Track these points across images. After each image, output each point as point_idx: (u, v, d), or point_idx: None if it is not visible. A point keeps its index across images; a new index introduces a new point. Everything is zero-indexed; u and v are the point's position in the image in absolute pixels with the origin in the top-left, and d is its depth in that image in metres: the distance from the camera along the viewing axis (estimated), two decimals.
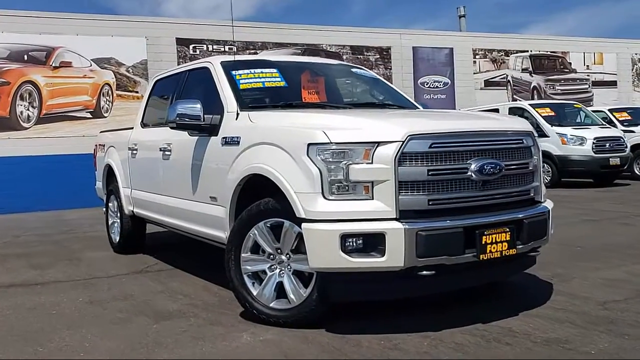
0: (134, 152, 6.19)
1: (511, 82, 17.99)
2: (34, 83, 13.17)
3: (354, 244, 3.46)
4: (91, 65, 13.70)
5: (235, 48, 14.68)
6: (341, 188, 3.51)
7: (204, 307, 4.47)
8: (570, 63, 18.52)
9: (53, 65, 13.34)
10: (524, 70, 18.03)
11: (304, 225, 3.55)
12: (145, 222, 6.75)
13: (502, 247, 3.67)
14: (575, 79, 18.49)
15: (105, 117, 13.80)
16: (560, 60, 18.42)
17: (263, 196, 3.99)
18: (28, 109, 13.19)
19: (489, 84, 17.73)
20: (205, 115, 4.55)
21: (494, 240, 3.64)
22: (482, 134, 3.82)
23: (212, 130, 4.57)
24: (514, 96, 17.76)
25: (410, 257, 3.41)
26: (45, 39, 13.29)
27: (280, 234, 3.87)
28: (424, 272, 3.50)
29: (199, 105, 4.54)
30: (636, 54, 19.54)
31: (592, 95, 18.50)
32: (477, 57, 17.64)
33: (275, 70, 4.99)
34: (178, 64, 14.32)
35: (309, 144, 3.57)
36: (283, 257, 3.91)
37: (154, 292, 5.05)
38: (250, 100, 4.58)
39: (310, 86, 5.09)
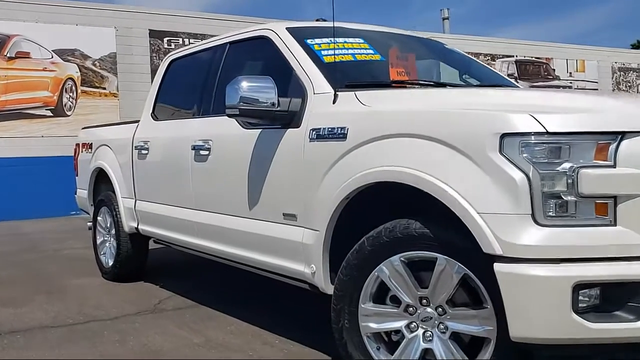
0: (143, 152, 4.66)
1: None
2: None
3: (590, 299, 2.12)
4: (52, 57, 11.89)
5: None
6: (561, 207, 2.15)
7: None
8: (554, 70, 17.77)
9: (8, 55, 11.47)
10: (509, 75, 17.16)
11: (500, 267, 2.17)
12: (147, 241, 5.23)
13: None
14: (559, 87, 17.75)
15: (68, 115, 12.02)
16: (544, 66, 17.64)
17: (383, 216, 2.63)
18: None
19: None
20: (280, 99, 3.13)
21: None
22: None
23: (290, 119, 3.15)
24: None
25: None
26: None
27: (428, 276, 2.49)
28: None
29: (272, 84, 3.11)
30: (616, 62, 19.00)
31: None
32: None
33: (362, 41, 3.61)
34: (151, 59, 12.70)
35: (504, 135, 2.20)
36: (430, 310, 2.52)
37: (191, 347, 3.57)
38: (344, 77, 3.17)
39: (399, 63, 3.72)
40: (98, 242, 5.66)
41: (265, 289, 4.91)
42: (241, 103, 3.09)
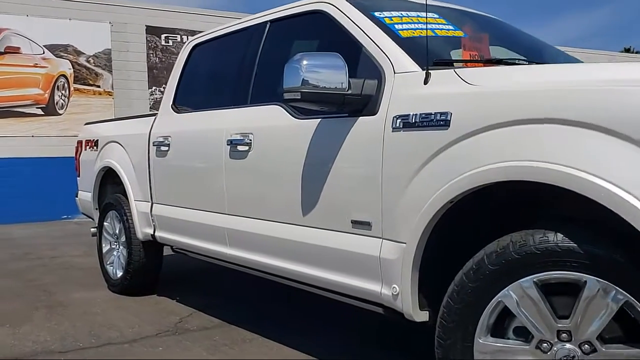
0: (162, 148, 4.03)
1: None
2: None
3: None
4: (44, 53, 11.18)
5: None
6: None
7: None
8: None
9: None
10: None
11: None
12: (162, 249, 4.61)
13: None
14: None
15: (60, 114, 11.30)
16: None
17: (481, 224, 2.07)
18: None
19: None
20: (351, 81, 2.53)
21: None
22: None
23: (363, 105, 2.56)
24: None
25: None
26: None
27: (570, 303, 1.90)
28: None
29: (342, 63, 2.52)
30: None
31: None
32: None
33: (437, 15, 3.02)
34: (147, 56, 12.04)
35: None
36: (572, 347, 1.92)
37: None
38: (431, 55, 2.57)
39: (475, 41, 3.14)
40: (104, 250, 5.00)
41: (301, 302, 4.31)
42: (303, 86, 2.49)
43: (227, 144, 3.33)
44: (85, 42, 11.52)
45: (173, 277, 5.21)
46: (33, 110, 11.11)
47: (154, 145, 4.13)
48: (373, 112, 2.52)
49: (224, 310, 4.18)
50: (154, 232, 4.27)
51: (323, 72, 2.50)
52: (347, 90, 2.52)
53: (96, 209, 5.16)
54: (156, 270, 4.72)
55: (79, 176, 5.56)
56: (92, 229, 5.33)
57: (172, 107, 4.12)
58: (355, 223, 2.59)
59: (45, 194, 10.83)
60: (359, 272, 2.58)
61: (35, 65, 11.11)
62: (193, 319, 4.05)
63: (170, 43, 12.24)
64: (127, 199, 4.61)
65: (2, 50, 10.79)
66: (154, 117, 4.34)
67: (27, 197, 10.71)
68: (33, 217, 10.52)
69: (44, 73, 11.19)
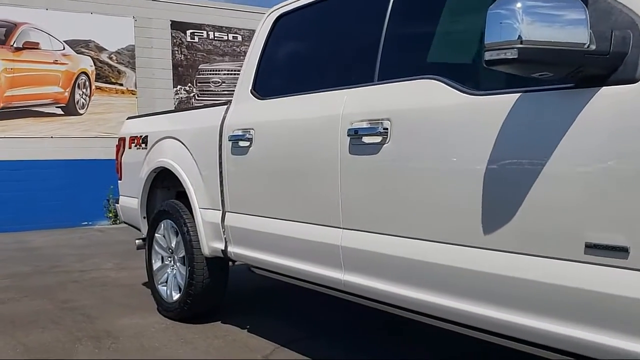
0: (242, 144, 3.16)
1: None
2: None
3: None
4: (64, 49, 10.33)
5: (240, 37, 11.67)
6: None
7: None
8: None
9: (15, 46, 9.90)
10: None
11: None
12: (228, 268, 3.75)
13: None
14: None
15: (81, 114, 10.44)
16: None
17: None
18: None
19: None
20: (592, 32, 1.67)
21: None
22: None
23: (611, 69, 1.69)
24: None
25: None
26: (5, 12, 9.83)
27: None
28: None
29: (581, 7, 1.65)
30: None
31: None
32: None
33: None
34: (172, 53, 11.19)
35: None
36: None
37: None
38: None
39: None
40: (155, 267, 4.13)
41: (408, 331, 3.44)
42: (521, 40, 1.62)
43: (348, 135, 2.46)
44: (107, 38, 10.68)
45: (230, 297, 4.33)
46: (52, 109, 10.26)
47: (229, 140, 3.26)
48: (630, 79, 1.65)
49: (314, 345, 3.31)
50: (226, 247, 3.40)
51: (550, 19, 1.64)
52: (588, 46, 1.65)
53: (144, 217, 4.29)
54: (221, 292, 3.85)
55: (120, 179, 4.69)
56: (138, 241, 4.46)
57: (252, 93, 3.25)
58: (592, 248, 1.71)
59: (65, 199, 10.03)
60: (607, 324, 1.70)
61: (55, 62, 10.26)
62: (282, 353, 3.17)
63: (196, 39, 11.39)
64: (187, 206, 3.74)
65: (20, 46, 9.94)
66: (224, 106, 3.47)
67: (46, 202, 9.90)
68: (52, 224, 9.70)
69: (64, 70, 10.33)
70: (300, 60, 3.19)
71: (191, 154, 3.65)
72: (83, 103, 10.47)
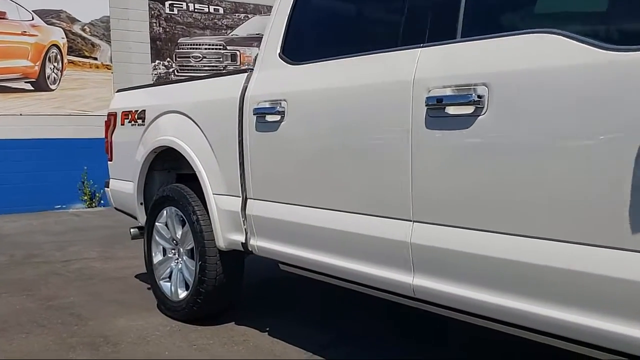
0: (270, 119, 2.64)
1: None
2: None
3: None
4: (33, 19, 9.52)
5: (222, 9, 10.98)
6: None
7: None
8: None
9: None
10: None
11: None
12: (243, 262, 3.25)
13: None
14: None
15: (52, 89, 9.67)
16: None
17: None
18: None
19: None
20: None
21: None
22: None
23: None
24: None
25: None
26: None
27: None
28: None
29: None
30: None
31: None
32: None
33: None
34: (150, 26, 10.45)
35: None
36: None
37: None
38: None
39: None
40: (155, 260, 3.60)
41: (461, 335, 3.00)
42: None
43: (426, 105, 1.97)
44: (80, 8, 9.90)
45: (245, 294, 3.84)
46: (21, 85, 9.48)
47: (253, 114, 2.73)
48: None
49: (347, 352, 2.84)
50: (247, 239, 2.89)
51: None
52: None
53: (141, 204, 3.74)
54: (237, 290, 3.35)
55: (110, 160, 4.12)
56: (133, 230, 3.92)
57: (281, 57, 2.72)
58: None
59: (36, 181, 9.33)
60: None
61: (23, 34, 9.46)
62: None
63: (175, 11, 10.68)
64: (195, 191, 3.22)
65: None
66: (244, 74, 2.93)
67: (15, 184, 9.20)
68: (22, 208, 9.02)
69: (33, 42, 9.54)
70: (348, 14, 2.67)
71: (202, 131, 3.11)
72: (54, 78, 9.70)
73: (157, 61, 10.55)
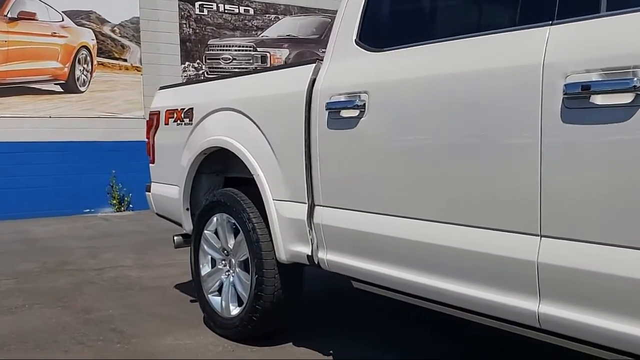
0: (348, 113, 2.29)
1: None
2: None
3: None
4: (63, 20, 9.31)
5: (252, 10, 10.68)
6: None
7: None
8: None
9: (9, 16, 8.87)
10: None
11: None
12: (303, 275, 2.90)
13: None
14: None
15: (82, 91, 9.45)
16: None
17: None
18: None
19: None
20: None
21: None
22: None
23: None
24: None
25: None
26: None
27: None
28: None
29: None
30: None
31: None
32: None
33: None
34: (180, 27, 10.20)
35: None
36: None
37: None
38: None
39: None
40: (203, 272, 3.26)
41: None
42: None
43: (564, 94, 1.59)
44: (110, 9, 9.67)
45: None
46: (50, 86, 9.27)
47: (326, 109, 2.37)
48: None
49: None
50: (314, 252, 2.53)
51: None
52: None
53: (187, 209, 3.40)
54: (296, 306, 2.99)
55: (152, 163, 3.79)
56: (177, 238, 3.60)
57: (357, 44, 2.36)
58: None
59: (65, 185, 9.11)
60: None
61: (53, 35, 9.25)
62: None
63: (206, 12, 10.41)
64: (250, 196, 2.87)
65: (15, 16, 8.92)
66: (310, 65, 2.58)
67: (44, 188, 8.99)
68: (51, 212, 8.79)
69: (63, 44, 9.33)
70: None
71: (260, 130, 2.77)
72: (84, 80, 9.47)
73: (187, 63, 10.29)
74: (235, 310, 3.03)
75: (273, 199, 2.71)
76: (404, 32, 2.31)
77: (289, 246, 2.67)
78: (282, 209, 2.68)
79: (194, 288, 3.38)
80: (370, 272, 2.30)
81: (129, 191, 9.42)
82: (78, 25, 9.42)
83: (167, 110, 3.58)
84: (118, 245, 6.12)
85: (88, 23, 9.52)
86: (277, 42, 10.86)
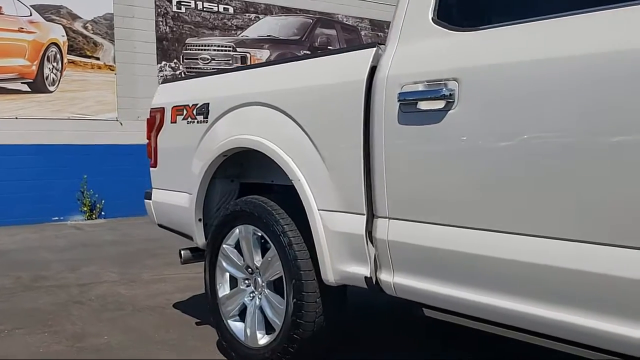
0: (431, 105, 1.86)
1: None
2: None
3: None
4: (31, 15, 8.64)
5: (232, 9, 10.18)
6: None
7: None
8: None
9: None
10: None
11: None
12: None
13: None
14: None
15: (51, 91, 8.79)
16: None
17: None
18: None
19: None
20: None
21: None
22: None
23: None
24: None
25: None
26: None
27: None
28: None
29: None
30: None
31: None
32: None
33: None
34: (156, 24, 9.63)
35: None
36: None
37: None
38: None
39: None
40: (221, 293, 2.78)
41: None
42: None
43: None
44: (82, 4, 9.05)
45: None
46: (17, 85, 8.59)
47: (398, 101, 1.94)
48: None
49: None
50: (376, 273, 2.09)
51: None
52: None
53: (199, 220, 2.92)
54: (337, 334, 2.54)
55: (154, 166, 3.29)
56: (184, 252, 3.11)
57: (436, 23, 1.94)
58: None
59: (32, 190, 8.47)
60: None
61: (20, 30, 8.58)
62: None
63: (183, 10, 9.86)
64: (282, 205, 2.42)
65: None
66: (368, 49, 2.14)
67: (9, 194, 8.33)
68: (17, 219, 8.16)
69: (31, 40, 8.66)
70: None
71: (301, 128, 2.32)
72: (53, 79, 8.82)
73: (164, 62, 9.72)
74: (263, 339, 2.56)
75: (319, 209, 2.26)
76: (504, 6, 1.89)
77: (338, 265, 2.22)
78: (331, 221, 2.23)
79: (209, 310, 2.89)
80: (452, 298, 1.87)
81: (101, 197, 8.81)
82: (47, 21, 8.77)
83: (174, 106, 3.09)
84: (97, 257, 5.55)
85: (58, 18, 8.87)
86: (258, 43, 10.38)
